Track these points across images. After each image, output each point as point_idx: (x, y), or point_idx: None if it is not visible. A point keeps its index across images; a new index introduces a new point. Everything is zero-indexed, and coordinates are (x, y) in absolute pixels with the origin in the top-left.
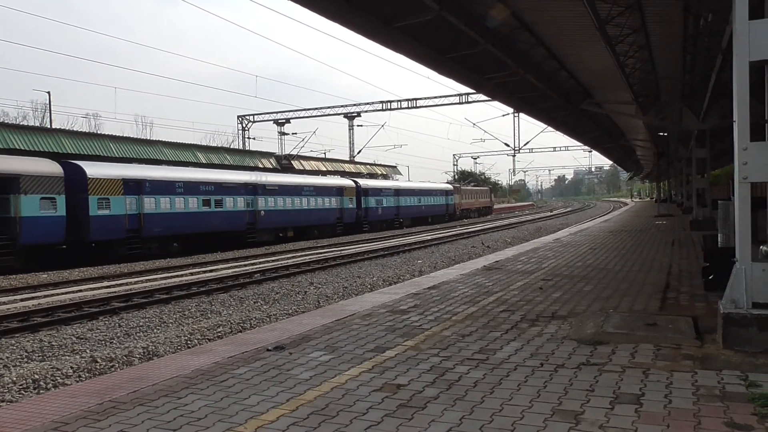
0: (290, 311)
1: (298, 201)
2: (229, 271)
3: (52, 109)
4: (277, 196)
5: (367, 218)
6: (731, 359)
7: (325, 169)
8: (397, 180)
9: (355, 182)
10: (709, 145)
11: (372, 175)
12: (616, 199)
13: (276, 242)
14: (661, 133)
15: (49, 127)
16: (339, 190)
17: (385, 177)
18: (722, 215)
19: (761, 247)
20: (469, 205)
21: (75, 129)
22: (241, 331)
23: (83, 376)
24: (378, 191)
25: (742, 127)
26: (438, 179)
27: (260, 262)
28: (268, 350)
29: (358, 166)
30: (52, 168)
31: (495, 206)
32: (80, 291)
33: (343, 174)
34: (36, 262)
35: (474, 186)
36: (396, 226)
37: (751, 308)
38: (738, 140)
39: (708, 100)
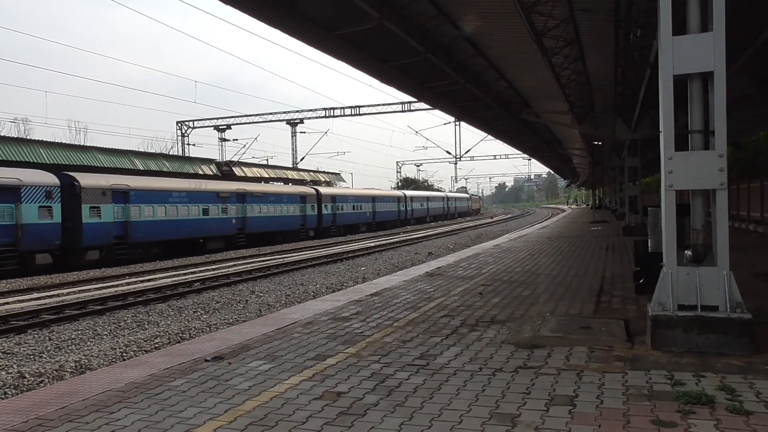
0: (231, 320)
1: None
2: (168, 280)
3: None
4: None
5: (129, 237)
6: (659, 359)
7: (267, 175)
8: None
9: (64, 177)
10: (640, 154)
11: (315, 182)
12: (554, 205)
13: None
14: (596, 143)
15: None
16: (47, 191)
17: (328, 184)
18: (652, 221)
19: (685, 251)
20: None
21: (2, 134)
22: (179, 342)
23: (9, 392)
24: (151, 195)
25: (668, 137)
26: (384, 186)
27: (200, 271)
28: (206, 361)
29: (302, 173)
30: None
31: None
32: (7, 303)
33: (286, 181)
34: None
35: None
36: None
37: (677, 310)
38: (664, 150)
39: (638, 111)
